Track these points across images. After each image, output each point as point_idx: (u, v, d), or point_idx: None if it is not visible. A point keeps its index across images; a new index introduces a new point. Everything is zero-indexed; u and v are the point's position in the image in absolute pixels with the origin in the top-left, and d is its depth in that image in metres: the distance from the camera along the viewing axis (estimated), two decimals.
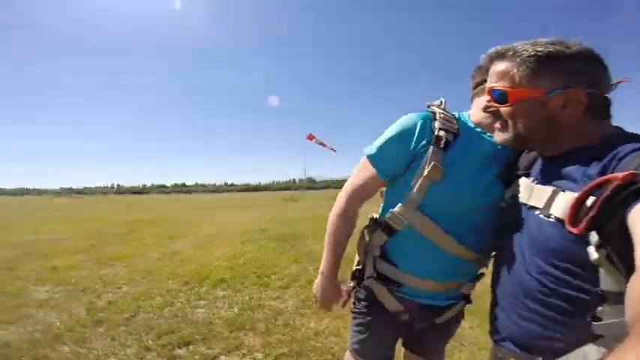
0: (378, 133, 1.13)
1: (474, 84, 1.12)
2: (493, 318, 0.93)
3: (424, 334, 1.21)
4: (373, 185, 1.14)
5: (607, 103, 0.79)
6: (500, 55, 0.83)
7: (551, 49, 0.76)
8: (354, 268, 1.24)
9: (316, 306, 1.28)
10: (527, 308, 0.77)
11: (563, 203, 0.69)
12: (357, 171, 1.16)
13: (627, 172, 0.56)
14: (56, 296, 3.94)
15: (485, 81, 0.99)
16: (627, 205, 0.55)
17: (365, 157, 1.13)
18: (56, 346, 2.68)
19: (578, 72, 0.75)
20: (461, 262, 1.07)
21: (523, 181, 0.89)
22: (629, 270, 0.55)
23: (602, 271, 0.62)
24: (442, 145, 1.00)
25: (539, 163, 0.89)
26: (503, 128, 0.86)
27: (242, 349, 2.68)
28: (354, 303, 1.24)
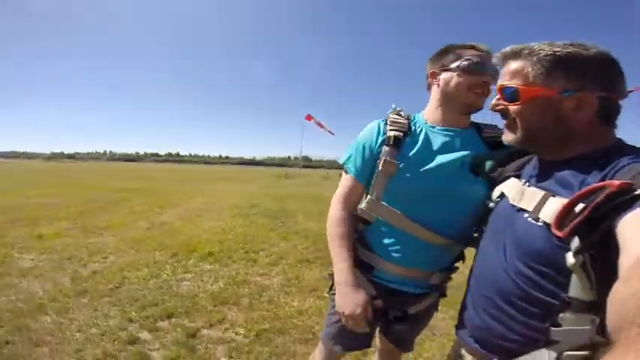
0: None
1: (428, 74, 1.20)
2: (462, 312, 0.95)
3: (398, 324, 1.24)
4: (356, 189, 1.23)
5: (618, 110, 0.78)
6: (515, 54, 0.81)
7: (569, 50, 0.75)
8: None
9: (349, 324, 1.13)
10: (497, 307, 0.79)
11: (553, 207, 0.68)
12: (341, 180, 1.27)
13: (622, 181, 0.56)
14: (41, 264, 3.92)
15: (437, 72, 1.15)
16: (618, 212, 0.55)
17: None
18: (38, 316, 2.67)
19: (593, 75, 0.74)
20: (432, 249, 1.13)
21: (514, 183, 0.89)
22: (601, 279, 0.57)
23: (574, 277, 0.63)
24: (392, 143, 1.13)
25: (534, 165, 0.88)
26: (511, 128, 0.85)
27: (224, 323, 2.71)
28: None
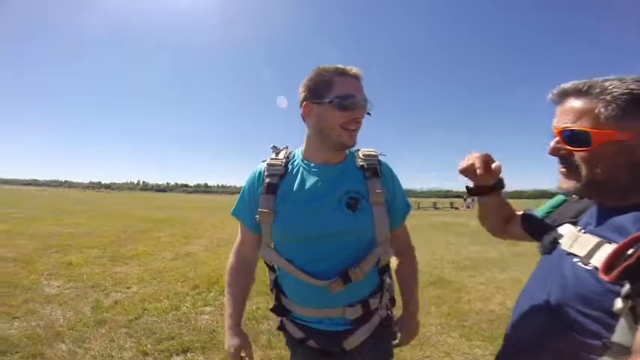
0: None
1: (303, 97, 1.09)
2: (503, 350, 0.91)
3: None
4: (247, 237, 1.23)
5: None
6: (578, 92, 0.73)
7: (635, 89, 0.67)
8: (273, 304, 1.26)
9: None
10: (539, 352, 0.76)
11: (605, 253, 0.65)
12: (239, 229, 1.26)
13: None
14: (66, 292, 3.95)
15: (327, 87, 1.04)
16: None
17: None
18: (55, 343, 2.64)
19: None
20: (319, 291, 1.08)
21: (568, 229, 0.84)
22: None
23: (621, 321, 0.60)
24: (267, 191, 1.11)
25: (592, 212, 0.81)
26: (572, 174, 0.76)
27: None
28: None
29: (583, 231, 0.77)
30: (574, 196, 0.93)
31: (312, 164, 1.14)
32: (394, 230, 1.20)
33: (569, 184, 0.77)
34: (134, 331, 2.95)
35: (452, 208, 30.88)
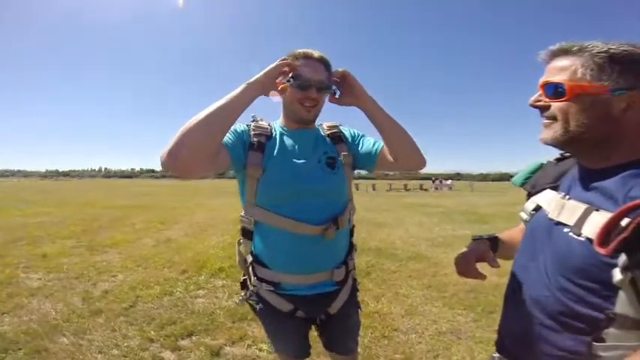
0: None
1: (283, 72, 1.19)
2: (502, 327, 0.92)
3: (328, 326, 1.35)
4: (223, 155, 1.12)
5: None
6: (564, 51, 0.77)
7: (624, 48, 0.70)
8: (242, 279, 1.38)
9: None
10: (539, 323, 0.76)
11: (595, 222, 0.65)
12: None
13: None
14: (49, 284, 3.82)
15: (306, 80, 1.15)
16: None
17: None
18: (55, 337, 2.59)
19: None
20: (310, 243, 1.17)
21: (551, 195, 0.85)
22: None
23: (621, 293, 0.60)
24: (256, 148, 1.18)
25: (573, 176, 0.83)
26: (551, 125, 0.79)
27: (246, 339, 2.64)
28: (254, 309, 1.32)
29: (567, 197, 0.78)
30: (551, 159, 0.97)
31: (292, 129, 1.27)
32: (381, 154, 1.26)
33: (550, 135, 0.79)
34: (133, 318, 2.94)
35: (421, 189, 31.90)
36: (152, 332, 2.69)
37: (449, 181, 38.54)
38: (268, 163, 1.18)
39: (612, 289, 0.61)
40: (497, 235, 1.10)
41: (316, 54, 1.20)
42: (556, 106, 0.76)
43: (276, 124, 1.31)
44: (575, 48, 0.75)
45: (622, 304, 0.60)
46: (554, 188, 0.87)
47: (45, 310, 3.10)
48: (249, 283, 1.29)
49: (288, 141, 1.25)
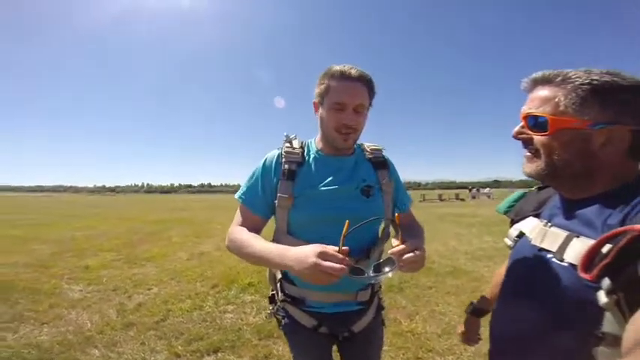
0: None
1: (318, 93, 1.15)
2: (494, 352, 0.91)
3: (351, 344, 1.27)
4: (252, 220, 1.19)
5: None
6: (546, 80, 0.77)
7: (607, 79, 0.70)
8: (270, 293, 1.35)
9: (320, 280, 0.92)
10: (531, 346, 0.76)
11: (577, 249, 0.68)
12: (237, 212, 1.22)
13: None
14: (89, 296, 3.98)
15: (326, 91, 1.11)
16: None
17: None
18: (87, 349, 2.66)
19: (627, 107, 0.70)
20: None
21: (534, 222, 0.87)
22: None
23: (607, 314, 0.62)
24: (287, 177, 1.14)
25: (555, 204, 0.85)
26: (533, 159, 0.79)
27: (271, 358, 2.58)
28: (279, 323, 1.30)
29: (549, 224, 0.80)
30: (533, 188, 1.00)
31: (328, 155, 1.21)
32: (401, 214, 1.28)
33: (531, 169, 0.80)
34: (162, 332, 2.97)
35: (457, 199, 30.83)
36: (179, 347, 2.69)
37: (487, 190, 36.99)
38: (299, 193, 1.13)
39: (599, 310, 0.63)
40: (484, 295, 1.24)
41: (354, 72, 1.10)
42: (538, 140, 0.77)
43: (312, 144, 1.26)
44: (558, 78, 0.75)
45: (609, 324, 0.62)
46: (537, 216, 0.89)
47: (82, 321, 3.20)
48: (276, 297, 1.29)
49: (322, 167, 1.19)
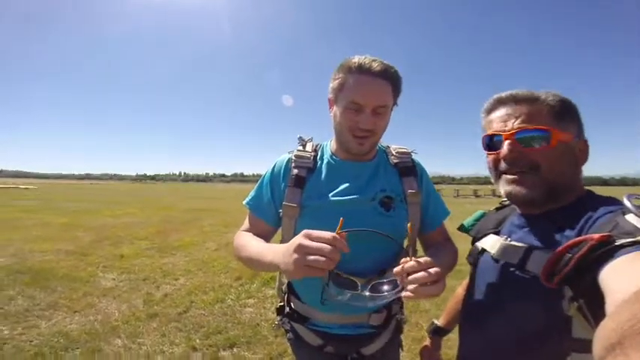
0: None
1: (333, 88, 1.01)
2: None
3: None
4: (260, 226, 1.12)
5: None
6: (526, 98, 0.78)
7: (566, 98, 0.77)
8: (278, 305, 1.23)
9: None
10: (504, 357, 0.77)
11: (538, 260, 0.70)
12: (247, 218, 1.17)
13: (602, 234, 0.58)
14: (120, 285, 4.18)
15: (340, 87, 0.97)
16: (600, 263, 0.57)
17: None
18: (111, 339, 2.78)
19: (581, 124, 0.78)
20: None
21: (494, 239, 0.88)
22: (599, 321, 0.55)
23: (575, 321, 0.64)
24: (294, 184, 1.04)
25: (513, 221, 0.87)
26: (528, 179, 0.76)
27: (285, 356, 2.58)
28: (286, 334, 1.21)
29: (509, 239, 0.81)
30: (492, 209, 1.01)
31: (343, 160, 1.08)
32: (430, 232, 1.13)
33: (526, 191, 0.76)
34: (183, 325, 3.06)
35: (495, 195, 29.57)
36: (197, 340, 2.76)
37: None
38: (307, 202, 1.02)
39: (567, 318, 0.65)
40: (446, 315, 1.22)
41: (376, 65, 0.93)
42: (537, 155, 0.75)
43: (327, 147, 1.14)
44: (539, 95, 0.77)
45: (578, 330, 0.64)
46: (496, 233, 0.90)
47: (110, 310, 3.37)
48: (284, 310, 1.19)
49: (335, 174, 1.06)
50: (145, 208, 14.16)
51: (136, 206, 14.99)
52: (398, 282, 0.79)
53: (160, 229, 8.51)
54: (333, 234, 0.74)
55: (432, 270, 0.72)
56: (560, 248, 0.63)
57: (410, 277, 0.72)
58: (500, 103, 0.80)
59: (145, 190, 36.77)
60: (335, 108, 1.02)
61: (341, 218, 0.79)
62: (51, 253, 5.64)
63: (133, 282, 4.28)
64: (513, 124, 0.77)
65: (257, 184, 1.16)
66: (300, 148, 1.14)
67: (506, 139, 0.76)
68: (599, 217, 0.67)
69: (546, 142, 0.74)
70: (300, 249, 0.73)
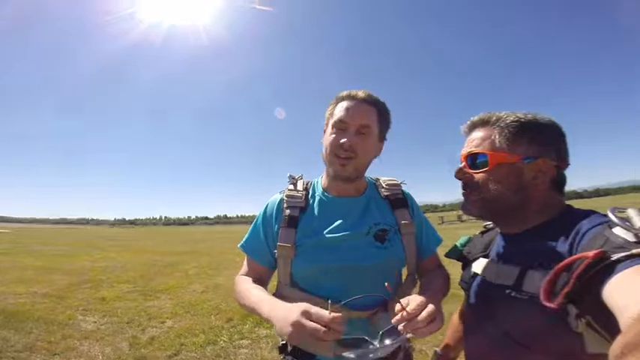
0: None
1: (326, 117, 1.08)
2: None
3: None
4: (257, 271, 1.12)
5: (565, 179, 0.83)
6: (483, 123, 0.85)
7: (530, 118, 0.80)
8: (281, 343, 1.14)
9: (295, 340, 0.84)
10: None
11: (535, 280, 0.70)
12: (244, 262, 1.16)
13: (597, 251, 0.58)
14: (102, 328, 3.91)
15: (330, 114, 1.05)
16: (601, 281, 0.57)
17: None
18: None
19: (549, 143, 0.80)
20: (353, 326, 0.90)
21: (484, 262, 0.90)
22: (612, 332, 0.55)
23: (586, 336, 0.63)
24: (287, 224, 1.04)
25: (498, 243, 0.89)
26: (472, 196, 0.85)
27: None
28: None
29: (500, 261, 0.83)
30: (477, 233, 1.04)
31: (335, 196, 1.09)
32: (423, 261, 1.13)
33: (473, 206, 0.85)
34: None
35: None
36: None
37: None
38: (301, 241, 1.02)
39: (574, 334, 0.64)
40: (448, 343, 1.19)
41: (362, 93, 1.02)
42: (479, 177, 0.82)
43: (318, 185, 1.15)
44: (493, 118, 0.83)
45: (592, 344, 0.63)
46: (485, 256, 0.91)
47: (94, 353, 3.12)
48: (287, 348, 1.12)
49: (327, 212, 1.07)
50: (124, 252, 13.57)
51: (115, 250, 14.34)
52: (398, 330, 0.79)
53: (141, 272, 8.12)
54: (332, 315, 0.74)
55: (425, 312, 0.75)
56: (556, 268, 0.63)
57: (409, 324, 0.75)
58: (472, 127, 0.88)
59: (125, 234, 35.44)
60: (325, 134, 1.06)
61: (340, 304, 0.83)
62: (25, 296, 5.28)
63: (117, 325, 4.01)
64: (469, 147, 0.85)
65: (251, 227, 1.15)
66: (291, 187, 1.14)
67: (462, 160, 0.87)
68: (586, 233, 0.68)
69: (484, 166, 0.81)
70: (298, 325, 0.74)
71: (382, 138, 1.08)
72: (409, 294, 1.01)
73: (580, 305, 0.61)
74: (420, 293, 0.97)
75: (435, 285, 1.03)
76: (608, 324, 0.57)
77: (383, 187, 1.14)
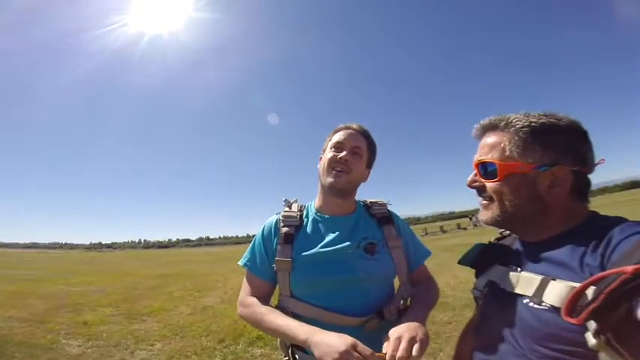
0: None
1: (323, 148, 1.25)
2: None
3: None
4: (262, 287, 1.19)
5: (589, 184, 0.77)
6: (492, 127, 0.81)
7: (544, 121, 0.74)
8: (284, 359, 1.24)
9: None
10: None
11: (557, 291, 0.66)
12: (244, 282, 1.23)
13: (637, 266, 0.54)
14: (89, 351, 3.74)
15: (328, 142, 1.23)
16: (634, 298, 0.54)
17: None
18: None
19: (567, 147, 0.74)
20: (354, 333, 0.97)
21: (502, 270, 0.85)
22: (631, 351, 0.55)
23: (602, 355, 0.59)
24: (284, 241, 1.15)
25: (518, 250, 0.86)
26: (488, 206, 0.81)
27: None
28: None
29: (519, 270, 0.79)
30: (492, 239, 1.00)
31: (327, 216, 1.21)
32: (412, 273, 1.23)
33: (488, 216, 0.81)
34: None
35: (460, 228, 30.38)
36: None
37: None
38: (297, 255, 1.12)
39: (589, 351, 0.60)
40: (459, 352, 1.09)
41: (355, 125, 1.23)
42: (490, 187, 0.79)
43: (311, 206, 1.27)
44: (502, 123, 0.78)
45: None
46: (502, 264, 0.87)
47: None
48: None
49: (320, 229, 1.19)
50: (103, 276, 13.01)
51: (92, 274, 13.71)
52: None
53: (124, 295, 7.81)
54: (376, 355, 0.84)
55: (415, 351, 0.82)
56: (585, 282, 0.59)
57: (399, 356, 0.81)
58: (483, 130, 0.84)
59: (102, 258, 34.00)
60: (323, 156, 1.22)
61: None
62: (1, 321, 4.98)
63: (103, 348, 3.85)
64: (480, 154, 0.81)
65: (249, 247, 1.24)
66: (287, 209, 1.26)
67: (474, 168, 0.83)
68: (619, 244, 0.63)
69: (493, 176, 0.77)
70: (346, 355, 0.82)
71: (369, 165, 1.26)
72: (400, 304, 1.15)
73: (601, 321, 0.57)
74: (410, 307, 1.13)
75: (424, 298, 1.15)
76: (629, 343, 0.55)
77: (370, 207, 1.28)
